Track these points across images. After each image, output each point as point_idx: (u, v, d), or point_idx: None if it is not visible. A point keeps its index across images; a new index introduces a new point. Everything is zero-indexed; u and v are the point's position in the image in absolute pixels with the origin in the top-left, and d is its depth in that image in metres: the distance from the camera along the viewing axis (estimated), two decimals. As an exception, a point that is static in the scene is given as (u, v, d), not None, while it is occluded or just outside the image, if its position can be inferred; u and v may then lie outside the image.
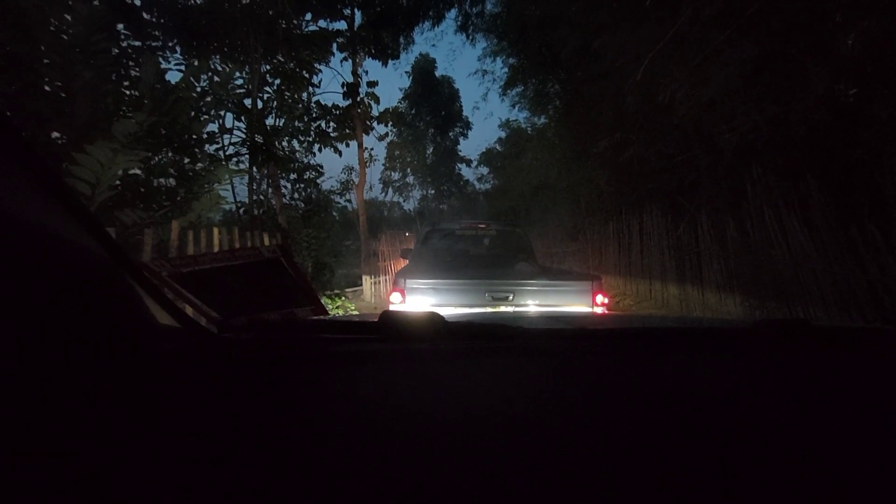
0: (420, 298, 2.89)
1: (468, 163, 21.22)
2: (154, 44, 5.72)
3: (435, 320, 0.64)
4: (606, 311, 3.00)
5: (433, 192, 21.44)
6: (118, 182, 3.09)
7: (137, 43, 5.40)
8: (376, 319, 0.63)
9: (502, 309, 2.88)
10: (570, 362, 0.58)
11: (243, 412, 0.42)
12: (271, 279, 0.58)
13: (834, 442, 0.37)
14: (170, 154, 3.85)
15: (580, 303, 2.97)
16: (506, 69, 11.09)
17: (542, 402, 0.45)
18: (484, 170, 20.02)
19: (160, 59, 4.99)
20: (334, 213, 10.00)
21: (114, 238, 0.41)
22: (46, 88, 3.18)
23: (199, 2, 6.18)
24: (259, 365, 0.54)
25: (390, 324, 0.63)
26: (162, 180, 3.68)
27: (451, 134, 21.10)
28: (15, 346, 0.31)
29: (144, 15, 5.84)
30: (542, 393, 0.48)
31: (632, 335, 0.71)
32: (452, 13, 10.06)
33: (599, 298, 2.99)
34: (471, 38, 10.47)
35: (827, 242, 3.50)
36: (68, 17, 3.19)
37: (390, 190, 21.30)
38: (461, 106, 21.07)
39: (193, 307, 0.55)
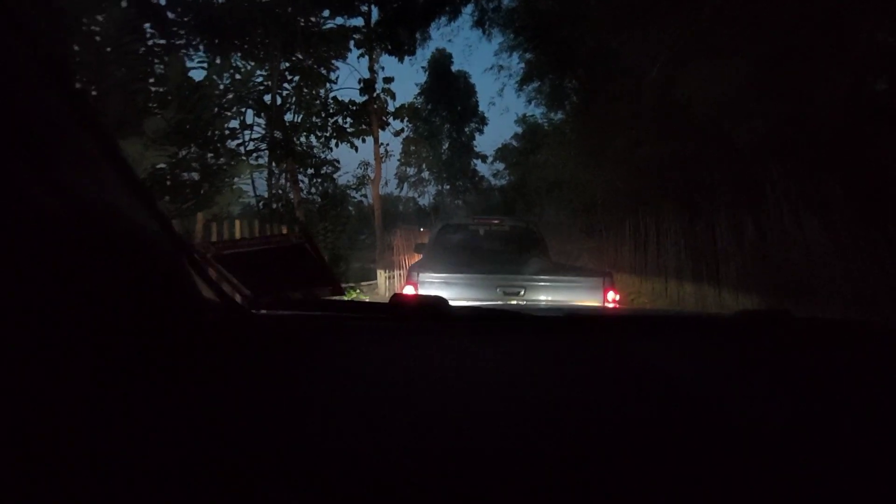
0: (432, 292, 2.96)
1: (484, 158, 21.15)
2: (179, 42, 5.90)
3: (441, 303, 0.71)
4: (616, 307, 3.02)
5: (448, 187, 21.47)
6: (146, 177, 3.23)
7: (163, 41, 5.57)
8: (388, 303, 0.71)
9: (513, 303, 2.93)
10: (562, 343, 0.63)
11: (270, 374, 0.49)
12: (296, 262, 0.65)
13: (801, 428, 0.40)
14: (194, 149, 3.99)
15: (591, 299, 3.00)
16: (522, 65, 11.03)
17: (535, 376, 0.51)
18: (500, 166, 19.95)
19: (184, 58, 5.15)
20: (350, 208, 10.14)
21: (169, 220, 0.48)
22: (78, 86, 3.34)
23: (220, 1, 6.34)
24: (283, 336, 0.62)
25: (400, 305, 0.70)
26: (186, 175, 3.82)
27: (466, 129, 21.06)
28: (79, 307, 0.37)
29: (169, 14, 6.02)
30: (537, 368, 0.54)
31: (620, 321, 0.76)
32: (469, 8, 10.04)
33: (611, 295, 3.01)
34: (487, 33, 10.45)
35: (846, 244, 3.44)
36: (100, 18, 3.34)
37: (406, 185, 21.42)
38: (477, 101, 20.98)
39: (230, 285, 0.62)
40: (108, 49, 3.32)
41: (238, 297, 0.66)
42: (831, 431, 0.40)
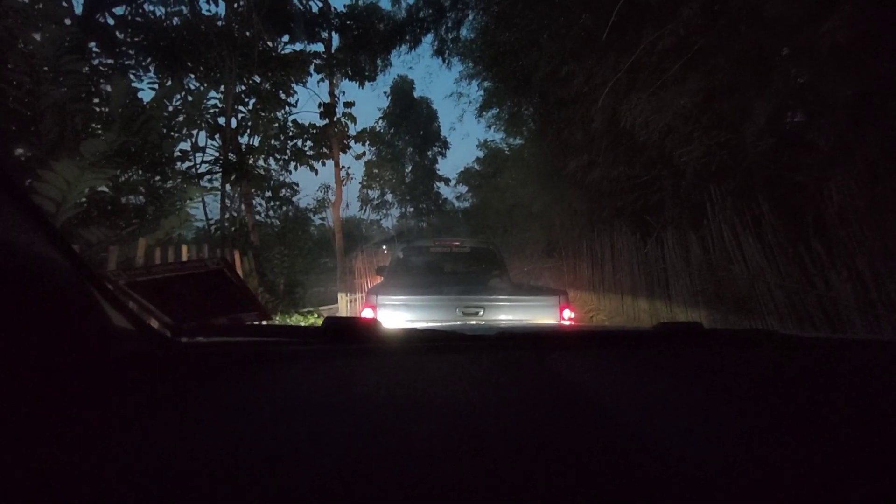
0: (392, 314, 2.92)
1: (447, 181, 21.50)
2: (127, 62, 5.70)
3: (373, 326, 0.70)
4: (572, 325, 3.10)
5: (412, 210, 21.56)
6: (84, 200, 3.04)
7: (110, 61, 5.37)
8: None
9: (472, 323, 2.94)
10: (491, 361, 0.64)
11: (194, 405, 0.46)
12: (217, 288, 0.62)
13: (705, 433, 0.42)
14: (139, 172, 3.81)
15: (548, 317, 3.06)
16: (481, 92, 11.43)
17: (463, 394, 0.51)
18: (462, 188, 20.32)
19: (133, 78, 4.98)
20: (312, 230, 9.95)
21: (74, 248, 0.45)
22: (12, 107, 3.14)
23: (174, 22, 6.22)
24: (208, 364, 0.58)
25: (332, 328, 0.69)
26: (131, 198, 3.63)
27: (429, 153, 21.40)
28: None
29: (118, 34, 5.83)
30: (465, 386, 0.54)
31: (548, 339, 0.78)
32: (429, 38, 10.36)
33: (567, 313, 3.09)
34: (447, 61, 10.76)
35: (779, 259, 3.72)
36: (37, 38, 3.18)
37: (368, 208, 21.33)
38: (439, 126, 21.46)
39: (148, 312, 0.59)
40: (46, 69, 3.16)
41: (157, 325, 0.62)
42: (736, 434, 0.42)
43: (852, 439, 0.40)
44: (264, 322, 0.72)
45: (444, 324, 2.89)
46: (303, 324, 5.43)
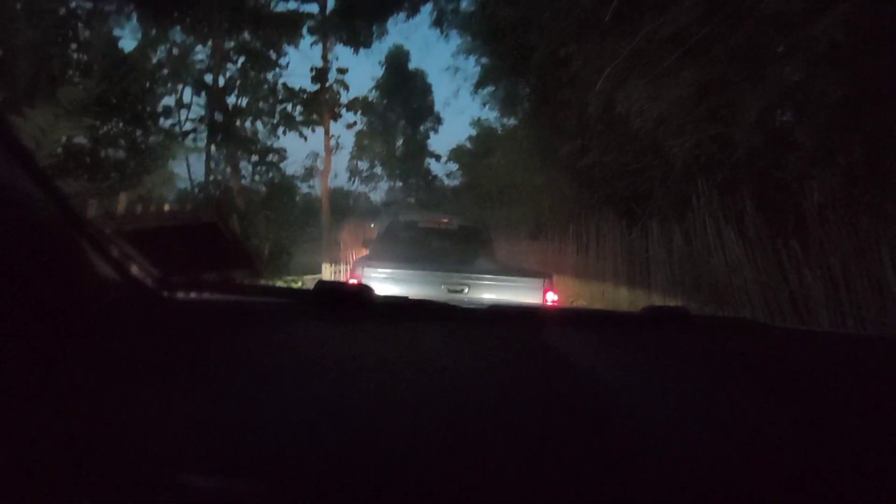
0: (377, 286, 2.91)
1: (438, 158, 21.21)
2: (107, 7, 5.38)
3: (366, 291, 0.71)
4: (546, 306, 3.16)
5: (401, 184, 21.30)
6: (60, 150, 2.91)
7: (89, 4, 5.06)
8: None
9: (456, 300, 2.97)
10: (482, 333, 0.66)
11: (179, 360, 0.46)
12: (210, 242, 0.62)
13: (688, 413, 0.44)
14: (120, 125, 3.65)
15: (532, 298, 3.11)
16: (478, 68, 11.20)
17: (455, 361, 0.52)
18: (453, 166, 20.11)
19: (113, 25, 4.71)
20: (298, 199, 9.78)
21: (61, 190, 0.44)
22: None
23: (160, -33, 5.86)
24: (195, 320, 0.58)
25: (325, 292, 0.69)
26: (110, 151, 3.49)
27: (421, 128, 21.00)
28: None
29: (98, -25, 5.47)
30: (456, 354, 0.55)
31: (538, 315, 0.80)
32: (428, 7, 10.03)
33: (550, 296, 3.14)
34: (445, 33, 10.48)
35: (757, 254, 3.83)
36: (11, -30, 2.97)
37: (357, 179, 20.98)
38: (433, 100, 21.00)
39: (135, 263, 0.58)
40: (19, 5, 2.96)
41: (145, 279, 0.61)
42: (718, 415, 0.44)
43: (835, 425, 0.43)
44: (254, 281, 0.71)
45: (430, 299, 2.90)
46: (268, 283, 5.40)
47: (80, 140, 3.26)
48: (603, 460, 0.34)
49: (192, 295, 0.66)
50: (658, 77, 3.85)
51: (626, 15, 4.28)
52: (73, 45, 3.80)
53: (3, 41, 2.82)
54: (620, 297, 6.32)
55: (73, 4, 4.51)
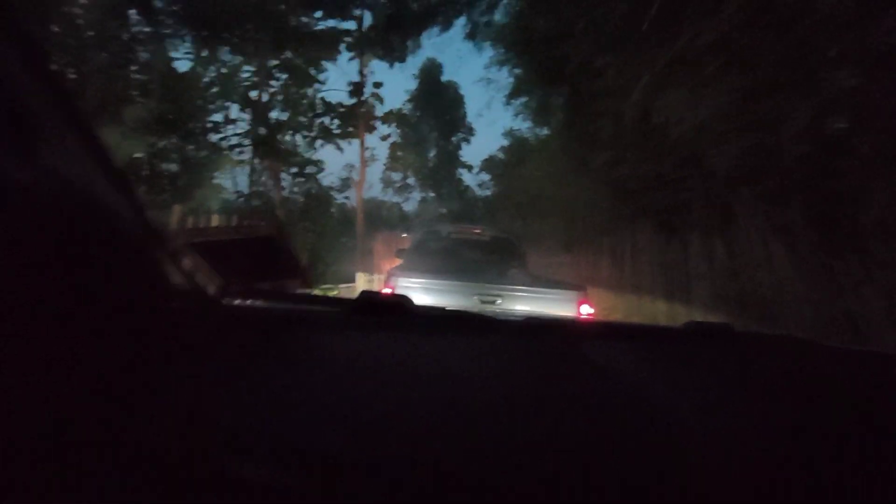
0: (410, 296, 2.96)
1: (469, 168, 21.35)
2: (165, 31, 5.80)
3: (406, 301, 0.73)
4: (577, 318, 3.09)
5: (433, 195, 21.53)
6: (123, 166, 3.15)
7: (149, 29, 5.47)
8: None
9: (488, 311, 2.96)
10: (521, 344, 0.66)
11: (240, 365, 0.50)
12: (267, 253, 0.66)
13: (730, 430, 0.43)
14: (174, 140, 3.91)
15: (566, 311, 3.06)
16: (511, 79, 11.22)
17: (493, 371, 0.54)
18: (485, 176, 20.16)
19: (170, 48, 5.07)
20: (332, 210, 10.06)
21: (142, 204, 0.49)
22: (58, 69, 3.25)
23: (212, -7, 6.29)
24: (254, 327, 0.62)
25: (367, 301, 0.72)
26: (165, 166, 3.74)
27: (454, 139, 21.23)
28: (52, 292, 0.38)
29: (157, 2, 5.92)
30: (495, 364, 0.56)
31: (575, 328, 0.80)
32: (461, 20, 10.20)
33: (585, 308, 3.08)
34: (478, 46, 10.61)
35: (808, 269, 3.61)
36: (83, 1, 3.28)
37: (390, 190, 21.38)
38: (466, 112, 21.21)
39: (201, 273, 0.63)
40: (91, 33, 3.25)
41: (208, 286, 0.66)
42: (760, 434, 0.43)
43: (877, 449, 0.41)
44: (304, 291, 0.76)
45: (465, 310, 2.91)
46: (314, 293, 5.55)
47: (139, 155, 3.51)
48: (641, 474, 0.34)
49: (248, 302, 0.71)
50: (698, 85, 3.74)
51: (664, 23, 4.21)
52: (134, 68, 4.09)
53: (77, 67, 3.11)
54: (658, 312, 6.10)
55: (134, 30, 4.90)
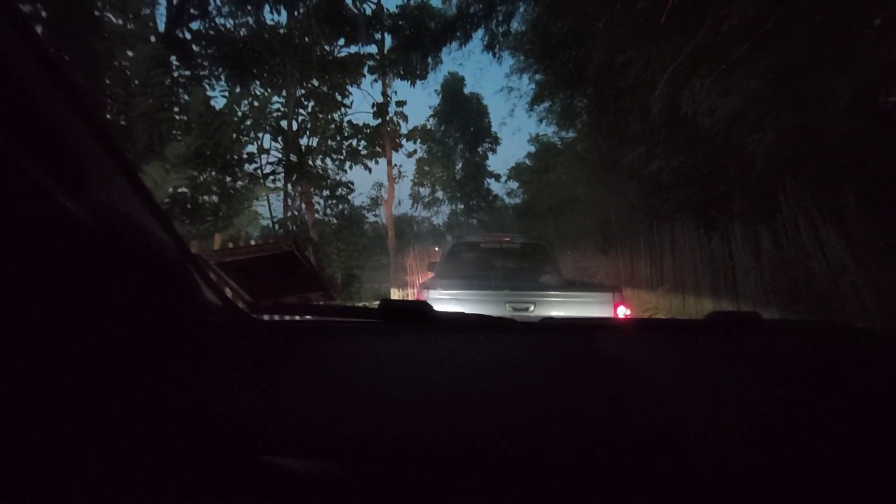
0: (442, 307, 2.98)
1: (497, 177, 21.32)
2: (202, 73, 6.23)
3: (425, 307, 0.75)
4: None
5: (462, 206, 21.62)
6: (167, 199, 3.39)
7: (188, 73, 5.89)
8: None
9: (521, 318, 2.93)
10: (542, 344, 0.66)
11: (274, 374, 0.53)
12: (289, 269, 0.70)
13: (764, 420, 0.42)
14: (213, 173, 4.17)
15: (601, 313, 2.97)
16: (532, 85, 11.21)
17: (514, 369, 0.54)
18: (513, 184, 20.07)
19: (206, 87, 5.43)
20: (365, 227, 10.31)
21: (178, 231, 0.54)
22: (108, 117, 3.56)
23: (241, 33, 6.71)
24: (284, 338, 0.66)
25: (389, 309, 0.74)
26: (206, 197, 3.99)
27: (479, 149, 21.31)
28: (94, 308, 0.42)
29: (194, 47, 6.38)
30: (516, 363, 0.57)
31: (596, 326, 0.79)
32: (479, 33, 10.34)
33: (621, 310, 2.98)
34: (497, 56, 10.68)
35: (867, 253, 3.35)
36: (131, 54, 3.58)
37: (419, 205, 21.66)
38: (490, 122, 21.28)
39: (232, 290, 0.67)
40: (137, 82, 3.55)
41: (239, 303, 0.71)
42: (785, 418, 0.42)
43: None
44: (327, 302, 0.79)
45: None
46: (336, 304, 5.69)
47: (182, 189, 3.75)
48: (662, 462, 0.34)
49: (276, 316, 0.75)
50: (727, 71, 3.60)
51: (686, 12, 4.09)
52: (176, 109, 4.41)
53: (126, 114, 3.39)
54: (704, 309, 5.80)
55: (175, 73, 5.28)
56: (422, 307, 0.75)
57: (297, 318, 0.78)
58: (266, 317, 0.74)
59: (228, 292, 0.67)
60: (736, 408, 0.43)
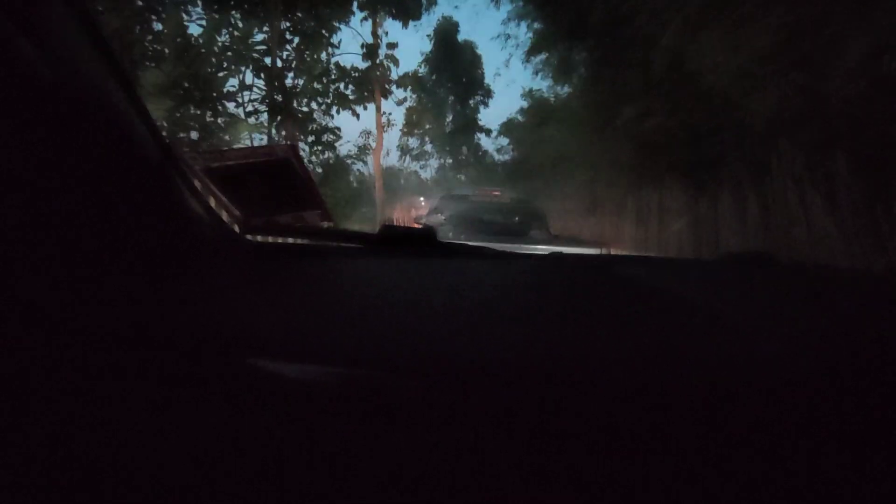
0: None
1: (488, 132, 20.81)
2: (176, -4, 5.70)
3: (430, 233, 0.71)
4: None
5: (451, 161, 21.21)
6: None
7: (160, -5, 5.39)
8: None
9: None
10: (543, 267, 0.64)
11: (257, 292, 0.49)
12: (284, 182, 0.64)
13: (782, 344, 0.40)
14: (191, 108, 3.91)
15: (589, 269, 3.01)
16: (530, 34, 10.69)
17: (526, 292, 0.51)
18: (504, 140, 19.68)
19: (182, 12, 4.99)
20: (351, 179, 10.06)
21: (160, 129, 0.47)
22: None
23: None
24: (276, 261, 0.61)
25: (389, 233, 0.70)
26: (184, 134, 3.77)
27: (471, 102, 20.63)
28: (74, 211, 0.36)
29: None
30: (526, 285, 0.54)
31: (602, 258, 0.77)
32: (478, -29, 9.66)
33: (609, 266, 3.02)
34: (495, -1, 10.05)
35: (849, 222, 3.41)
36: (93, -36, 3.22)
37: (408, 157, 21.15)
38: (483, 73, 20.47)
39: (219, 203, 0.61)
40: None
41: (226, 216, 0.65)
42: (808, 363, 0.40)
43: None
44: (325, 223, 0.74)
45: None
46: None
47: (158, 123, 3.53)
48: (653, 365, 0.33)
49: (271, 240, 0.70)
50: (736, 25, 3.46)
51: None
52: (149, 36, 4.07)
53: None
54: (685, 272, 5.94)
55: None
56: (426, 233, 0.71)
57: (291, 241, 0.72)
58: (258, 237, 0.69)
59: (214, 203, 0.61)
60: (749, 337, 0.41)
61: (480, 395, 0.30)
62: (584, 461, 0.27)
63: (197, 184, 0.51)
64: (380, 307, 0.43)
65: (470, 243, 0.77)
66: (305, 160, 7.86)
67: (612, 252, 3.29)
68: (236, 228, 0.66)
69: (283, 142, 6.83)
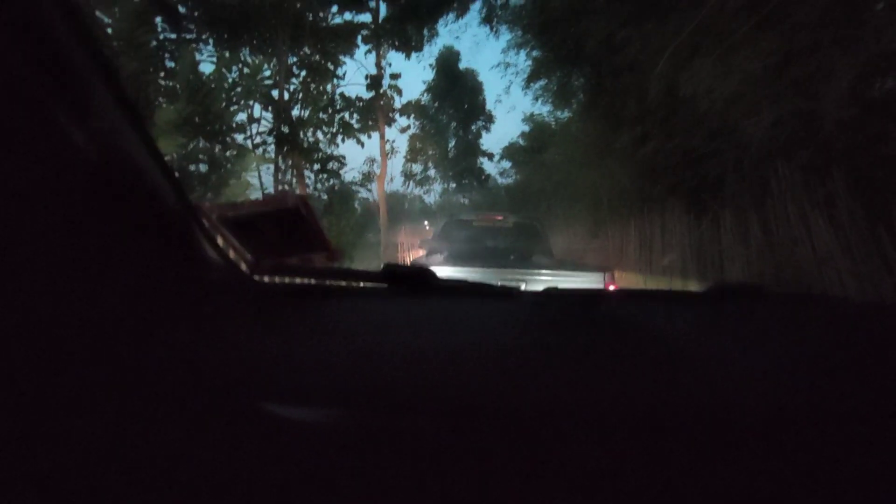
0: None
1: (490, 157, 21.12)
2: (189, 36, 5.97)
3: (428, 273, 0.74)
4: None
5: (454, 185, 21.46)
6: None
7: (174, 35, 5.64)
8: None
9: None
10: (545, 309, 0.66)
11: (267, 332, 0.52)
12: (293, 227, 0.68)
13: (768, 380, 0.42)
14: (202, 142, 4.04)
15: (592, 294, 3.01)
16: (529, 62, 11.00)
17: (517, 330, 0.54)
18: (506, 164, 19.94)
19: (194, 52, 5.21)
20: (356, 205, 10.19)
21: (178, 180, 0.51)
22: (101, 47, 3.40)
23: (231, -5, 6.41)
24: (285, 302, 0.65)
25: (391, 272, 0.74)
26: (195, 167, 3.88)
27: (473, 127, 21.04)
28: (90, 252, 0.38)
29: (181, 8, 6.09)
30: (518, 324, 0.56)
31: (595, 294, 0.79)
32: (477, 5, 10.05)
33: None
34: (495, 29, 10.42)
35: (853, 242, 3.41)
36: (115, 11, 3.40)
37: (411, 183, 21.44)
38: (484, 99, 20.95)
39: (233, 248, 0.65)
40: (121, 42, 3.38)
41: (240, 262, 0.69)
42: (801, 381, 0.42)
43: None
44: (331, 264, 0.78)
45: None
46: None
47: (169, 158, 3.64)
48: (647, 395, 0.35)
49: (281, 280, 0.73)
50: (728, 52, 3.56)
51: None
52: (162, 74, 4.23)
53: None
54: (691, 293, 5.90)
55: (160, 36, 5.05)
56: (425, 272, 0.74)
57: (299, 280, 0.76)
58: (267, 278, 0.73)
59: (226, 247, 0.65)
60: (742, 370, 0.43)
61: (480, 434, 0.32)
62: (579, 497, 0.29)
63: (213, 232, 0.54)
64: (382, 348, 0.46)
65: (468, 280, 0.80)
66: (311, 187, 8.01)
67: (616, 274, 3.30)
68: (248, 270, 0.70)
69: (290, 171, 6.97)
